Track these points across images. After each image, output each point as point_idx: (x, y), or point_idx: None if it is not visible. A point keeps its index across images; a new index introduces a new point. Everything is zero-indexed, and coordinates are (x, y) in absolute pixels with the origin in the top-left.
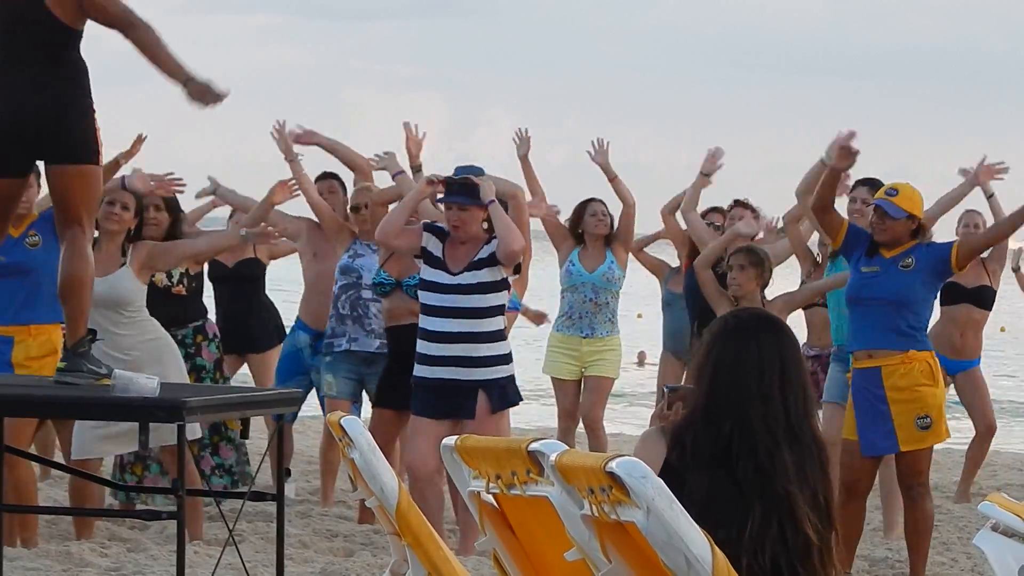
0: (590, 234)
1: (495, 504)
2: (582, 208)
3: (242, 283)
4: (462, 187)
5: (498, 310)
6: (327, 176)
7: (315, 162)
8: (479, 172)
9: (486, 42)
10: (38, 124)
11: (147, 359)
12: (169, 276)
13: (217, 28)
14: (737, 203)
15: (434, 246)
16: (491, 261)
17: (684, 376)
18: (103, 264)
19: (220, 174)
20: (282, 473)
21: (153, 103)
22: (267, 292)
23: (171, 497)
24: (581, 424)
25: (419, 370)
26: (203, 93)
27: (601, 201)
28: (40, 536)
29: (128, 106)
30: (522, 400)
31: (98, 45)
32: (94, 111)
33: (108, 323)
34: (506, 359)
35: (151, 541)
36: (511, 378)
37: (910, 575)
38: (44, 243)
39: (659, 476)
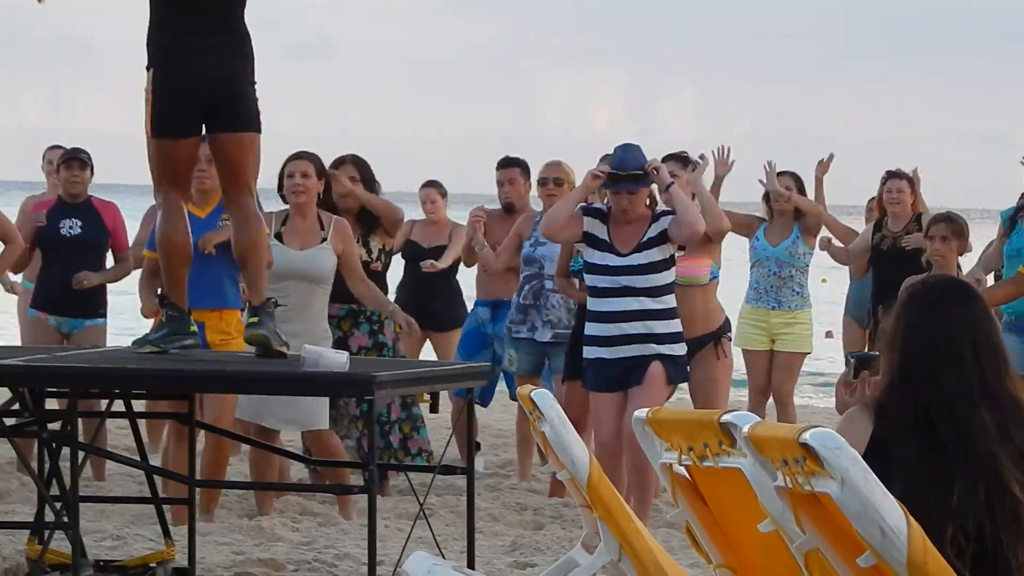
0: (777, 210)
1: (687, 476)
2: None
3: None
4: (626, 178)
5: (669, 288)
6: (511, 163)
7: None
8: (637, 152)
9: (665, 11)
10: (215, 91)
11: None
12: (369, 251)
13: (406, 2)
14: (891, 175)
15: (598, 229)
16: (660, 239)
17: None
18: (301, 237)
19: (402, 149)
20: (472, 447)
21: (340, 80)
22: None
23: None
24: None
25: (592, 352)
26: None
27: (791, 175)
28: (231, 511)
29: (318, 81)
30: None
31: None
32: (255, 80)
33: (301, 297)
34: (680, 337)
35: (342, 515)
36: (682, 356)
37: None
38: None
39: (868, 451)
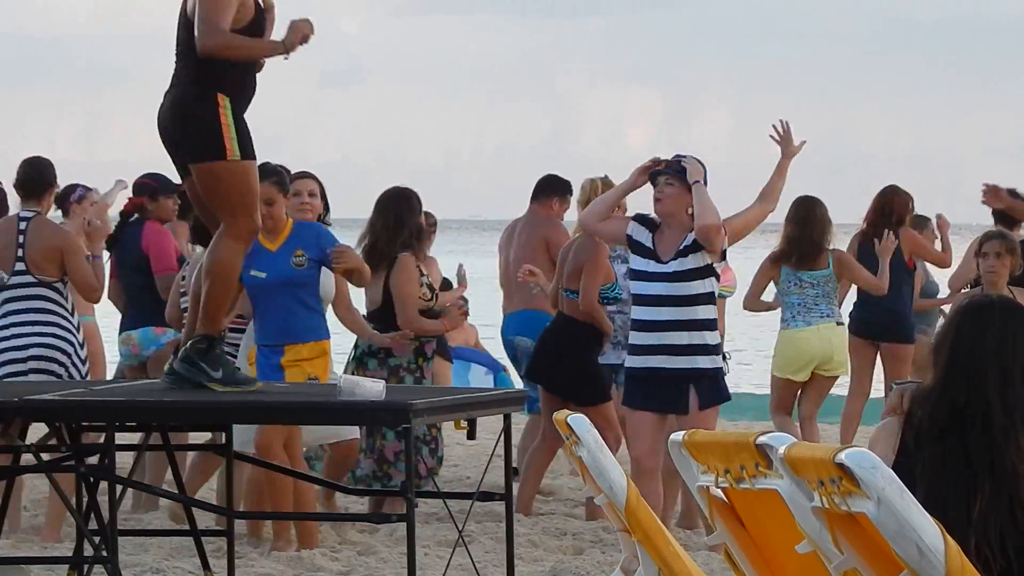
0: None
1: (724, 498)
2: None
3: None
4: (672, 167)
5: (707, 298)
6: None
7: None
8: (688, 159)
9: (700, 31)
10: (167, 124)
11: None
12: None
13: (438, 27)
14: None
15: (644, 236)
16: (696, 247)
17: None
18: None
19: (439, 166)
20: (510, 473)
21: (373, 105)
22: None
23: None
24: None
25: (631, 360)
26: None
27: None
28: (269, 541)
29: (353, 107)
30: (730, 399)
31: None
32: (220, 101)
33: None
34: (716, 349)
35: (381, 544)
36: (720, 371)
37: None
38: (309, 263)
39: (895, 460)
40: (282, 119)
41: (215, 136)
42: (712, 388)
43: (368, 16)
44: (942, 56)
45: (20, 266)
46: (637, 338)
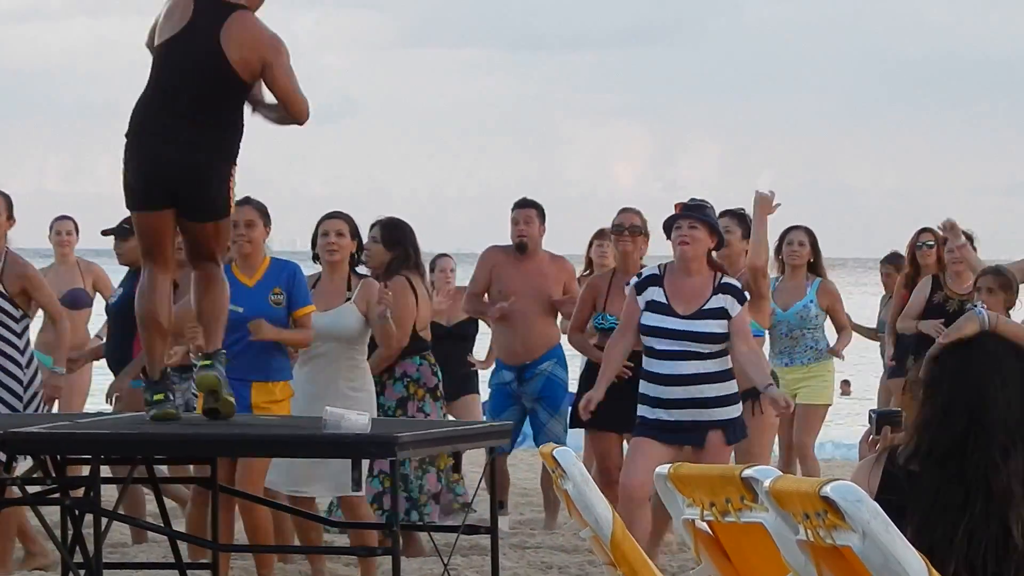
0: (790, 264)
1: (710, 532)
2: (781, 236)
3: (458, 341)
4: (695, 207)
5: (726, 351)
6: (528, 203)
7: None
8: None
9: (689, 68)
10: (180, 184)
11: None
12: None
13: (427, 62)
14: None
15: (656, 294)
16: (723, 314)
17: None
18: (327, 298)
19: (426, 199)
20: (496, 506)
21: (363, 140)
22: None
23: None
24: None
25: (645, 410)
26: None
27: (803, 229)
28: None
29: (342, 142)
30: (748, 436)
31: None
32: (233, 171)
33: (328, 356)
34: (735, 399)
35: None
36: (741, 417)
37: None
38: (288, 302)
39: (878, 494)
40: (268, 155)
41: (226, 202)
42: (736, 429)
43: (355, 50)
44: (929, 93)
45: None
46: (653, 390)
